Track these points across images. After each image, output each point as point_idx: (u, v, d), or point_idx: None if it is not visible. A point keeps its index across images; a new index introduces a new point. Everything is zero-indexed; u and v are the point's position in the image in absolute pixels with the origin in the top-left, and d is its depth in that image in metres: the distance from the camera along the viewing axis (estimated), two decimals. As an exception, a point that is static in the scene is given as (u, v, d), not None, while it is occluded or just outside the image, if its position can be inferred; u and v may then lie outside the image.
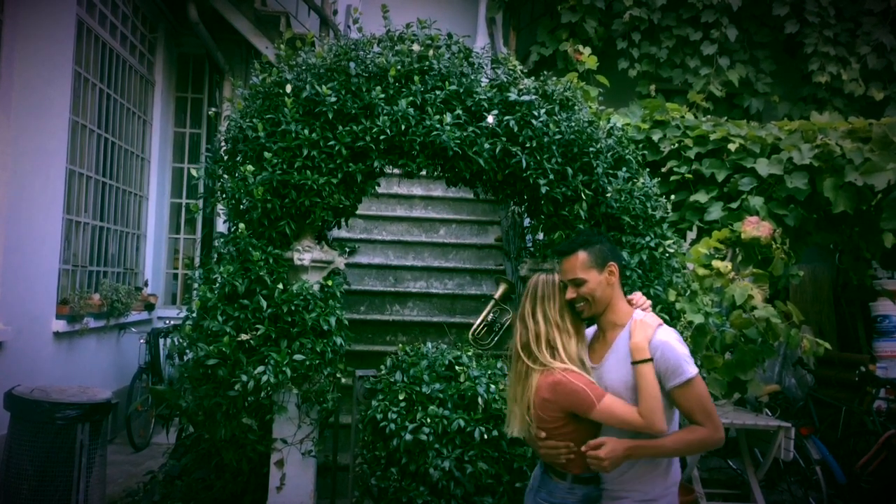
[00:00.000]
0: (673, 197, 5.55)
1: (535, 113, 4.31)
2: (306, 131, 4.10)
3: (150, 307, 7.53)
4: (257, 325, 3.99)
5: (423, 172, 4.47)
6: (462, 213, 7.50)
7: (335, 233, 5.74)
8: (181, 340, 4.14)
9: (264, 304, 4.00)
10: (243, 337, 3.97)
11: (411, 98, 4.20)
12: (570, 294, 2.52)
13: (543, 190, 4.29)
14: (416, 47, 4.37)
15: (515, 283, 5.24)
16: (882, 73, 8.50)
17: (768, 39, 8.69)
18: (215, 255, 4.34)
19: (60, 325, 5.68)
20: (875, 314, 7.71)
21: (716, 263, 4.99)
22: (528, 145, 4.28)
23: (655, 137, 6.42)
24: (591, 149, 4.40)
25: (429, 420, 3.80)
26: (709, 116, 7.05)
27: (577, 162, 4.39)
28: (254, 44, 7.47)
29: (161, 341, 6.90)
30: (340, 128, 4.17)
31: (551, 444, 2.46)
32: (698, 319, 4.57)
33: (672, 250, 4.53)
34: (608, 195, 4.42)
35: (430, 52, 4.37)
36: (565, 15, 8.24)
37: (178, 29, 8.08)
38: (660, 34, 8.43)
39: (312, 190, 4.12)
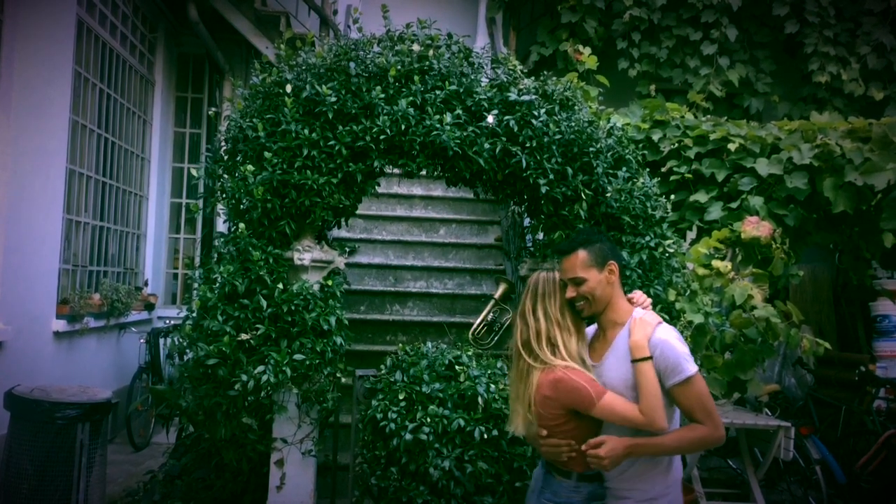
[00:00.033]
0: (673, 197, 5.56)
1: (535, 113, 4.31)
2: (306, 131, 4.10)
3: (150, 307, 7.53)
4: (257, 325, 3.99)
5: (423, 172, 4.47)
6: (462, 213, 7.50)
7: (335, 232, 5.74)
8: (181, 340, 4.14)
9: (264, 303, 4.00)
10: (243, 337, 3.97)
11: (411, 98, 4.20)
12: (570, 293, 2.52)
13: (543, 190, 4.29)
14: (416, 47, 4.38)
15: (515, 282, 5.24)
16: (882, 73, 8.51)
17: (768, 39, 8.69)
18: (215, 255, 4.35)
19: (60, 325, 5.68)
20: (875, 314, 7.71)
21: (716, 263, 4.99)
22: (528, 145, 4.28)
23: (655, 137, 6.42)
24: (591, 149, 4.40)
25: (429, 420, 3.80)
26: (709, 116, 7.05)
27: (577, 162, 4.40)
28: (254, 44, 7.47)
29: (161, 341, 6.90)
30: (340, 128, 4.17)
31: (553, 441, 2.46)
32: (698, 319, 4.57)
33: (672, 250, 4.54)
34: (608, 195, 4.42)
35: (430, 52, 4.37)
36: (565, 15, 8.25)
37: (178, 29, 8.08)
38: (660, 34, 8.43)
39: (312, 190, 4.12)
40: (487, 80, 4.47)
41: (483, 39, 8.29)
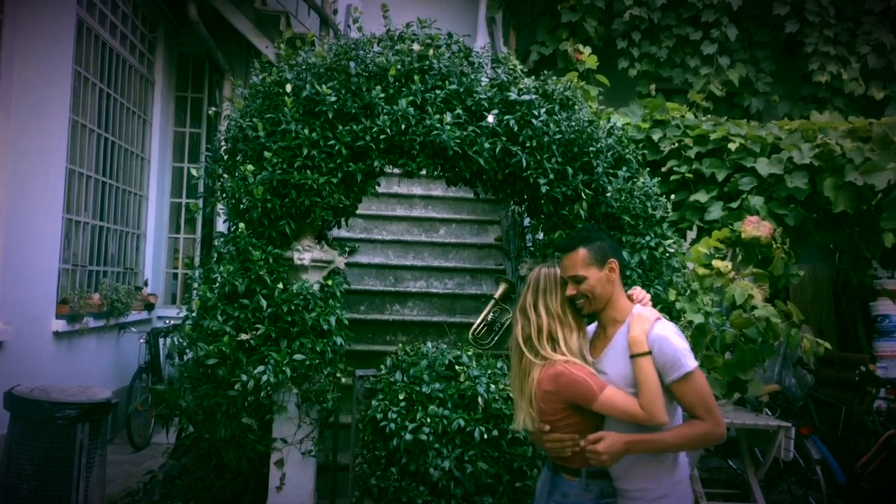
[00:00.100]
0: (673, 196, 5.55)
1: (536, 112, 4.30)
2: (306, 131, 4.10)
3: (149, 307, 7.53)
4: (257, 325, 3.99)
5: (423, 172, 4.47)
6: (462, 213, 7.49)
7: (335, 232, 5.74)
8: (181, 340, 4.13)
9: (264, 303, 4.00)
10: (243, 336, 3.96)
11: (411, 97, 4.19)
12: (571, 291, 2.51)
13: (543, 189, 4.29)
14: (416, 47, 4.37)
15: (515, 282, 5.24)
16: (882, 73, 8.50)
17: (768, 39, 8.69)
18: (215, 255, 4.34)
19: (60, 325, 5.68)
20: (875, 314, 7.71)
21: (716, 263, 4.99)
22: (528, 145, 4.28)
23: (655, 137, 6.42)
24: (591, 148, 4.40)
25: (429, 420, 3.80)
26: (709, 116, 7.05)
27: (578, 161, 4.39)
28: (254, 43, 7.47)
29: (161, 341, 6.90)
30: (340, 127, 4.17)
31: (556, 436, 2.45)
32: (698, 319, 4.57)
33: (672, 250, 4.53)
34: (608, 195, 4.42)
35: (430, 52, 4.37)
36: (565, 14, 8.25)
37: (178, 28, 8.08)
38: (660, 33, 8.43)
39: (312, 189, 4.11)
40: (487, 80, 4.46)
41: (483, 39, 8.29)
